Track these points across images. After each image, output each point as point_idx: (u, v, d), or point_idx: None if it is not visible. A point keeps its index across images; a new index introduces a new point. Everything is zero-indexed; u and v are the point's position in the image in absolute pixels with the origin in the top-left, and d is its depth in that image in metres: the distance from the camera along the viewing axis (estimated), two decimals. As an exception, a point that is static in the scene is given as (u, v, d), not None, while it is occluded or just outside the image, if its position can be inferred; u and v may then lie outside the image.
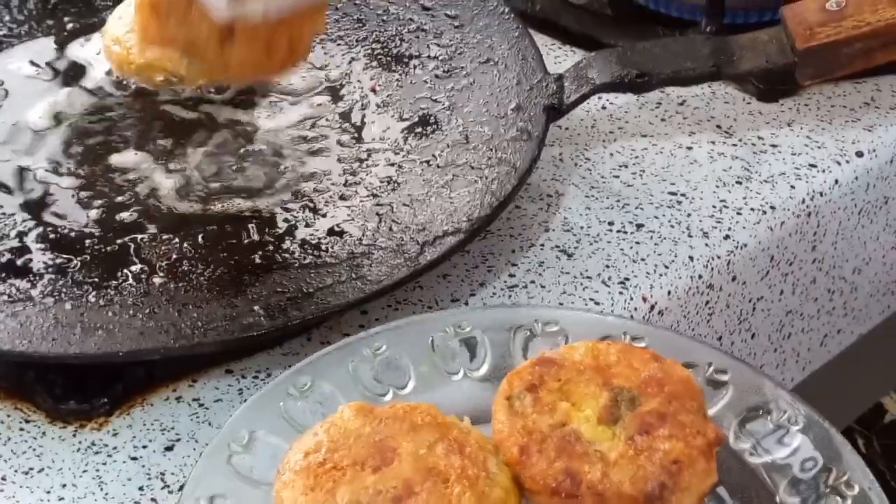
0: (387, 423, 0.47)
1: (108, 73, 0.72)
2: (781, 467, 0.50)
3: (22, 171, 0.66)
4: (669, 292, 0.64)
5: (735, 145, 0.72)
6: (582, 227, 0.67)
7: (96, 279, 0.59)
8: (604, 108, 0.75)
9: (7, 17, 0.76)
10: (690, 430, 0.47)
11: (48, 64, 0.73)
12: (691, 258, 0.66)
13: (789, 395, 0.52)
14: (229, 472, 0.49)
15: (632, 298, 0.63)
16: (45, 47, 0.75)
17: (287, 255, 0.60)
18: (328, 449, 0.46)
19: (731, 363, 0.53)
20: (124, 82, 0.72)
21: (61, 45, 0.75)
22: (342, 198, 0.64)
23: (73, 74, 0.73)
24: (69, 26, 0.76)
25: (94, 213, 0.63)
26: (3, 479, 0.55)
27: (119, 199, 0.64)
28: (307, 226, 0.62)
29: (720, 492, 0.51)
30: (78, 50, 0.74)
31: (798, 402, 0.52)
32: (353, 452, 0.46)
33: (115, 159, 0.67)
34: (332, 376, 0.52)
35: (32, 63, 0.73)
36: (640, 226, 0.67)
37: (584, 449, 0.47)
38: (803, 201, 0.69)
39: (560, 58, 0.79)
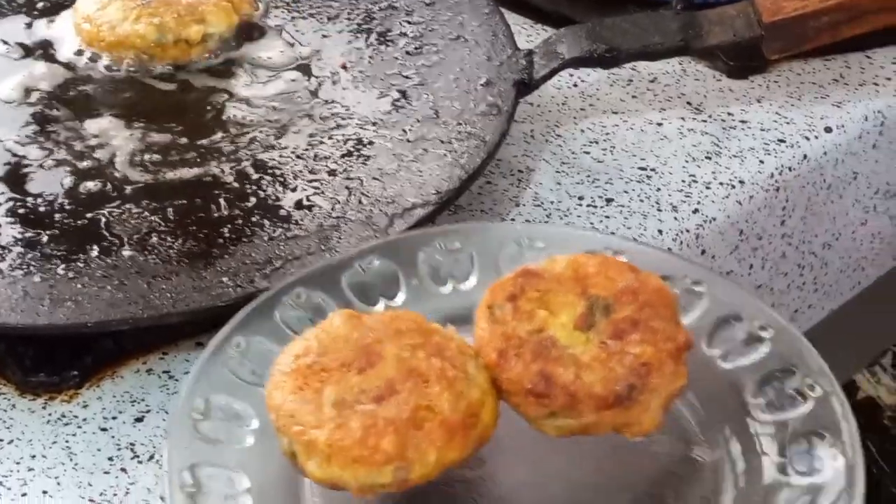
0: (373, 328, 0.49)
1: (79, 51, 0.72)
2: (749, 371, 0.52)
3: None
4: (638, 265, 0.65)
5: (705, 121, 0.73)
6: (552, 202, 0.67)
7: (65, 252, 0.59)
8: (575, 85, 0.75)
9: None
10: (661, 336, 0.49)
11: (18, 42, 0.73)
12: (660, 231, 0.66)
13: (762, 304, 0.54)
14: (224, 374, 0.51)
15: (601, 271, 0.64)
16: (15, 25, 0.74)
17: (256, 228, 0.60)
18: (317, 352, 0.48)
19: (707, 275, 0.55)
20: (95, 59, 0.72)
21: (31, 23, 0.74)
22: (312, 171, 0.64)
23: (43, 52, 0.73)
24: (39, 5, 0.76)
25: (64, 185, 0.63)
26: (-27, 450, 0.55)
27: (83, 166, 0.64)
28: (277, 199, 0.62)
29: (690, 397, 0.52)
30: (48, 28, 0.74)
31: (770, 311, 0.54)
32: (341, 355, 0.48)
33: (88, 127, 0.67)
34: (326, 288, 0.54)
35: (2, 41, 0.73)
36: (609, 200, 0.68)
37: (558, 353, 0.48)
38: (772, 176, 0.70)
39: (532, 36, 0.79)
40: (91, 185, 0.63)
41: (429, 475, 0.46)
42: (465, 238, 0.57)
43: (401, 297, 0.56)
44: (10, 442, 0.55)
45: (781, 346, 0.52)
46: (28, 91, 0.69)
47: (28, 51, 0.72)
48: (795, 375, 0.51)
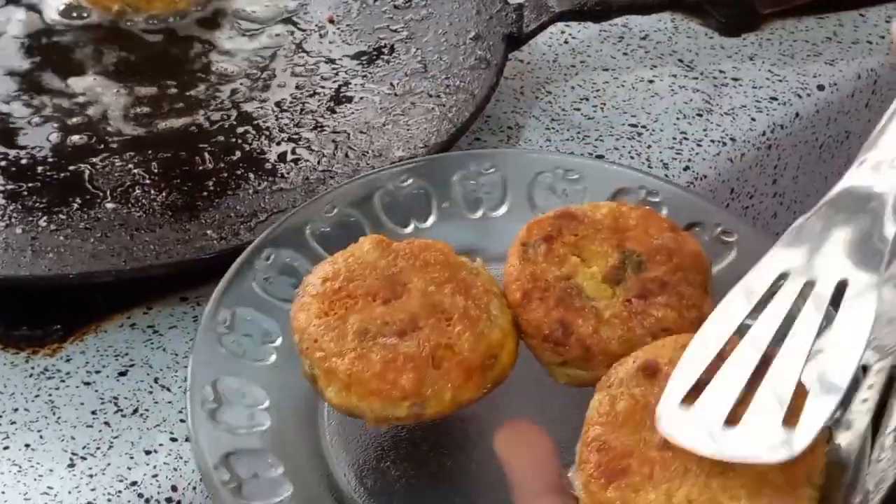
0: (402, 258, 0.49)
1: (64, 2, 0.71)
2: None
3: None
4: (628, 222, 0.64)
5: (696, 78, 0.72)
6: (542, 159, 0.67)
7: (47, 204, 0.58)
8: (566, 42, 0.75)
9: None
10: (687, 302, 0.48)
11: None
12: (651, 188, 0.65)
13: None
14: (253, 291, 0.51)
15: (590, 227, 0.63)
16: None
17: (241, 181, 0.60)
18: (344, 278, 0.48)
19: (739, 226, 0.54)
20: (80, 10, 0.70)
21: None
22: (298, 125, 0.63)
23: (27, 2, 0.71)
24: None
25: (47, 139, 0.62)
26: (-46, 403, 0.54)
27: (72, 122, 0.63)
28: (262, 152, 0.62)
29: None
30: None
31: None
32: (367, 283, 0.48)
33: (72, 82, 0.66)
34: (358, 205, 0.54)
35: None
36: (599, 157, 0.67)
37: (582, 304, 0.48)
38: (763, 134, 0.69)
39: (522, -7, 0.78)
40: (76, 139, 0.62)
41: (443, 412, 0.46)
42: (501, 162, 0.56)
43: (431, 220, 0.55)
44: (-8, 395, 0.55)
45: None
46: (8, 38, 0.68)
47: (10, 1, 0.71)
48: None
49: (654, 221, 0.50)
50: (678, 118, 0.69)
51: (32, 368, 0.56)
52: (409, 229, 0.55)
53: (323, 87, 0.66)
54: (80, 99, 0.65)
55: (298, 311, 0.48)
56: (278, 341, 0.50)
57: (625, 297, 0.48)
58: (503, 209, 0.56)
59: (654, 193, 0.54)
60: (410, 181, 0.55)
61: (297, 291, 0.49)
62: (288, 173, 0.60)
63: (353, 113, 0.64)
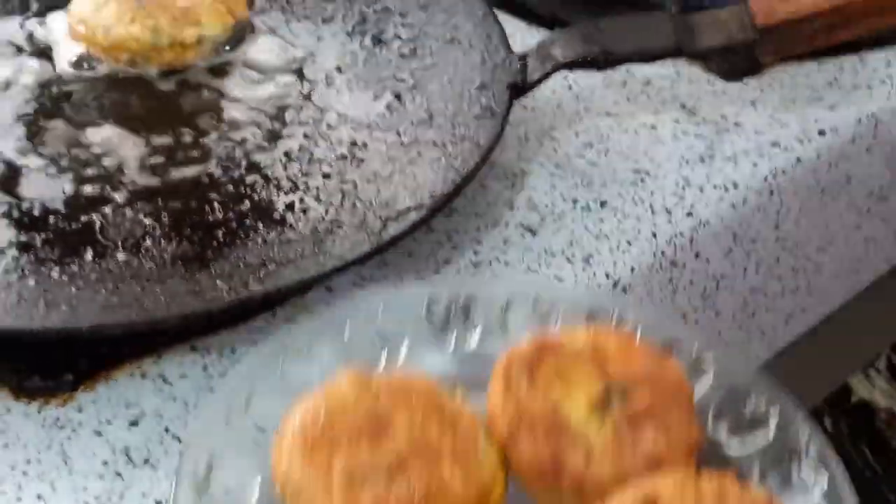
0: (383, 395, 0.48)
1: (74, 52, 0.72)
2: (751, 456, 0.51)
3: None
4: (633, 269, 0.65)
5: (699, 124, 0.73)
6: (547, 206, 0.67)
7: (60, 256, 0.59)
8: (570, 88, 0.75)
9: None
10: (675, 431, 0.48)
11: (10, 42, 0.73)
12: (654, 234, 0.66)
13: (767, 381, 0.53)
14: (227, 432, 0.50)
15: (595, 275, 0.64)
16: (8, 26, 0.74)
17: (250, 231, 0.60)
18: (324, 419, 0.47)
19: (713, 348, 0.54)
20: (90, 62, 0.71)
21: (24, 24, 0.74)
22: (305, 174, 0.64)
23: (37, 51, 0.72)
24: (34, 6, 0.75)
25: (62, 190, 0.63)
26: (-33, 454, 0.55)
27: (87, 173, 0.64)
28: (270, 202, 0.62)
29: None
30: (41, 28, 0.74)
31: (774, 389, 0.52)
32: (350, 423, 0.47)
33: (89, 133, 0.67)
34: (328, 340, 0.53)
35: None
36: (603, 203, 0.68)
37: (571, 436, 0.48)
38: (766, 179, 0.70)
39: (526, 38, 0.79)
40: (89, 190, 0.63)
41: None
42: (471, 290, 0.55)
43: (403, 352, 0.54)
44: (5, 446, 0.55)
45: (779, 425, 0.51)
46: (21, 87, 0.69)
47: (20, 50, 0.72)
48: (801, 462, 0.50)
49: (635, 347, 0.51)
50: (681, 164, 0.70)
51: (44, 419, 0.57)
52: (382, 362, 0.53)
53: (330, 136, 0.67)
54: (97, 150, 0.65)
55: (279, 458, 0.47)
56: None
57: (613, 427, 0.48)
58: (475, 340, 0.55)
59: (623, 320, 0.54)
60: (380, 313, 0.54)
61: (275, 433, 0.48)
62: (296, 223, 0.61)
63: (360, 162, 0.65)
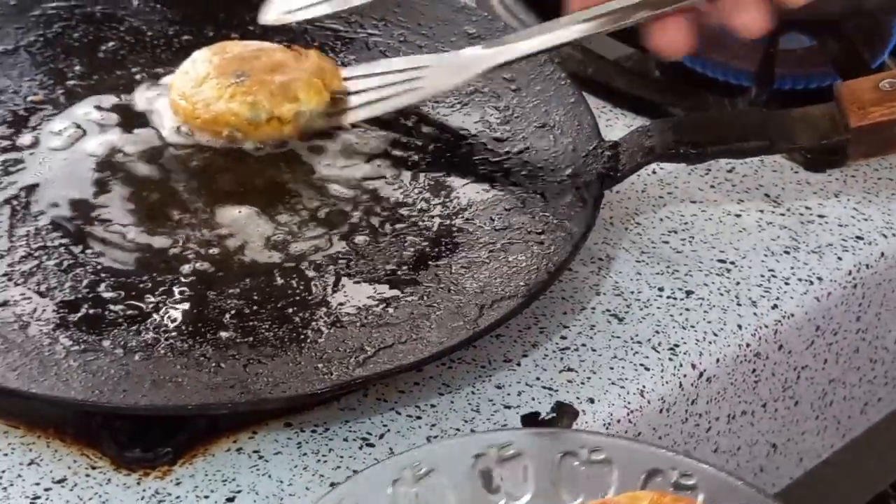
0: None
1: (175, 126, 0.73)
2: None
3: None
4: (718, 360, 0.66)
5: (783, 214, 0.74)
6: (632, 292, 0.69)
7: (165, 331, 0.61)
8: (654, 172, 0.77)
9: (78, 68, 0.78)
10: None
11: (114, 107, 0.75)
12: (740, 326, 0.67)
13: None
14: None
15: (681, 365, 0.65)
16: (110, 99, 0.76)
17: (350, 313, 0.62)
18: None
19: None
20: (190, 134, 0.73)
21: (127, 94, 0.76)
22: (402, 258, 0.66)
23: (139, 122, 0.74)
24: (137, 76, 0.77)
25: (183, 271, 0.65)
26: (70, 524, 0.56)
27: (208, 252, 0.65)
28: (369, 284, 0.64)
29: None
30: (145, 102, 0.76)
31: None
32: None
33: (220, 216, 0.68)
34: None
35: (98, 108, 0.75)
36: (689, 292, 0.69)
37: None
38: (850, 273, 0.71)
39: (611, 121, 0.80)
40: (201, 266, 0.64)
41: None
42: (525, 445, 0.55)
43: None
44: (107, 518, 0.57)
45: None
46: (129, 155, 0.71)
47: (123, 121, 0.74)
48: None
49: None
50: (766, 255, 0.71)
51: (144, 491, 0.58)
52: None
53: (423, 221, 0.68)
54: (223, 231, 0.67)
55: None
56: None
57: None
58: (527, 497, 0.54)
59: (688, 475, 0.54)
60: (424, 470, 0.54)
61: None
62: (393, 308, 0.62)
63: (454, 247, 0.66)
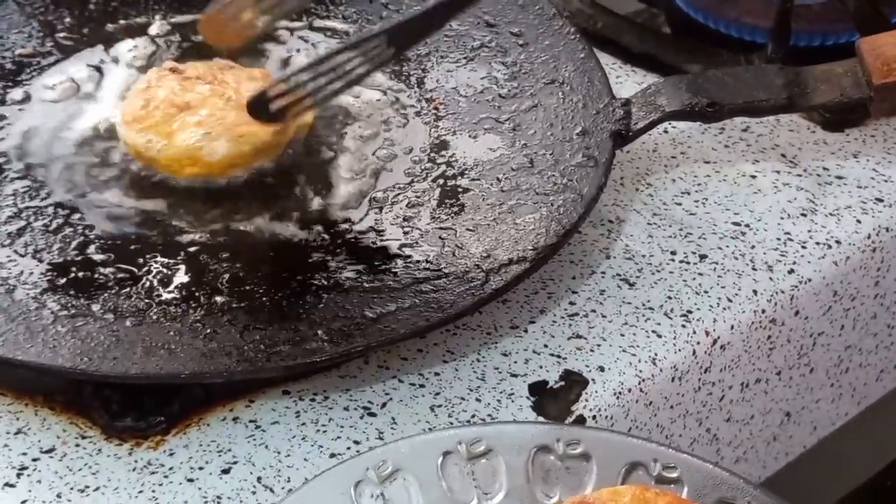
0: None
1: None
2: None
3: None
4: (733, 327, 0.63)
5: (800, 175, 0.71)
6: (644, 256, 0.66)
7: (158, 296, 0.58)
8: (665, 132, 0.74)
9: (68, 20, 0.75)
10: None
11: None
12: (755, 292, 0.65)
13: None
14: None
15: (695, 332, 0.62)
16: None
17: (350, 278, 0.59)
18: None
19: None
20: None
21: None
22: (405, 219, 0.63)
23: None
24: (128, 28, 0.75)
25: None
26: (59, 496, 0.54)
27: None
28: (371, 248, 0.61)
29: None
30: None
31: None
32: None
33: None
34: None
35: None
36: (703, 256, 0.66)
37: None
38: (869, 237, 0.68)
39: (621, 77, 0.77)
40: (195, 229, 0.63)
41: None
42: (496, 441, 0.51)
43: None
44: (97, 489, 0.55)
45: None
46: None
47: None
48: None
49: None
50: (782, 217, 0.69)
51: (136, 462, 0.56)
52: None
53: (428, 181, 0.65)
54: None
55: None
56: None
57: None
58: (499, 498, 0.51)
59: (671, 468, 0.51)
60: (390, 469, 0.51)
61: None
62: (395, 271, 0.60)
63: (460, 209, 0.63)
